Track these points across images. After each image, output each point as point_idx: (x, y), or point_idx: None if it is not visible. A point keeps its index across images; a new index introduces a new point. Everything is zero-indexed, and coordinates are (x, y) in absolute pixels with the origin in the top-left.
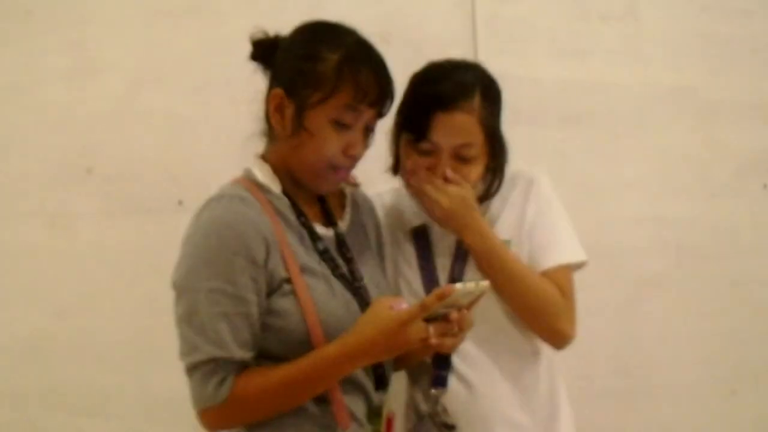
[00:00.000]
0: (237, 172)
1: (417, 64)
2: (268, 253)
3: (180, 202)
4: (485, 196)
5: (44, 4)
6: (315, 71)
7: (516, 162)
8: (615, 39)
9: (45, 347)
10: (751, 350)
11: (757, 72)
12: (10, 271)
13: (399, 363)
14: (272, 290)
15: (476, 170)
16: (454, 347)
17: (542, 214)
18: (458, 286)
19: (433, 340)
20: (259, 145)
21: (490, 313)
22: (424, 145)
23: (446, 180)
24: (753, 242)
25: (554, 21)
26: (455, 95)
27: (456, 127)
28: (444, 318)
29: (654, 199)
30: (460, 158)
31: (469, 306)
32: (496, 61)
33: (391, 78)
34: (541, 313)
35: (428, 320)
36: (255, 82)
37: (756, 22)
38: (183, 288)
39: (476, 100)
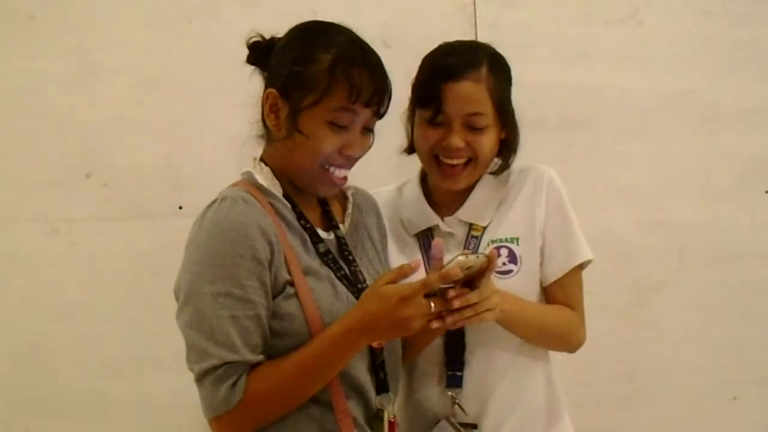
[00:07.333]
0: (237, 177)
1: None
2: (272, 254)
3: (180, 208)
4: (501, 169)
5: (47, 8)
6: (307, 73)
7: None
8: (617, 43)
9: (45, 352)
10: (753, 356)
11: (760, 76)
12: (10, 276)
13: (407, 352)
14: (276, 292)
15: (488, 140)
16: (455, 323)
17: (557, 214)
18: (461, 258)
19: (435, 316)
20: (258, 150)
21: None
22: (437, 118)
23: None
24: (755, 247)
25: (556, 26)
26: (463, 65)
27: (465, 96)
28: (443, 295)
29: (656, 204)
30: (472, 128)
31: (472, 279)
32: None
33: (387, 76)
34: (562, 342)
35: (428, 296)
36: (255, 87)
37: (759, 27)
38: (188, 294)
39: (484, 70)
